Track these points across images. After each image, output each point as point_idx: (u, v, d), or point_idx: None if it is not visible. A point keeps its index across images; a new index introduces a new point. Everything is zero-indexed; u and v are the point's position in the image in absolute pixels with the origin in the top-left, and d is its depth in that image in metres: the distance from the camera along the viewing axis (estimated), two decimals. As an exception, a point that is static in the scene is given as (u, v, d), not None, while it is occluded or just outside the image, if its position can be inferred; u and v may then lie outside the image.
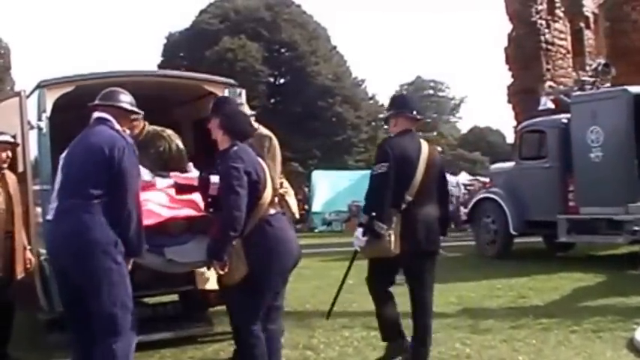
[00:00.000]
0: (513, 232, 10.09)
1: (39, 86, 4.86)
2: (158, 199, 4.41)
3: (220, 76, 5.99)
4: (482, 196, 11.26)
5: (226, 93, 5.53)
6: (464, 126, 59.96)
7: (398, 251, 4.20)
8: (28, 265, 4.58)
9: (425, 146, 4.41)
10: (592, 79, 10.60)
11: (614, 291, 6.86)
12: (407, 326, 5.21)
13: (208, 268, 3.72)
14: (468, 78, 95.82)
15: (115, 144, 3.44)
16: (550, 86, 15.41)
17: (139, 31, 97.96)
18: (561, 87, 14.54)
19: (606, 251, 10.45)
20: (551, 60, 16.81)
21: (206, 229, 3.92)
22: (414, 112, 4.45)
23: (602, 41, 16.56)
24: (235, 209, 3.47)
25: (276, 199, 4.19)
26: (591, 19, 18.11)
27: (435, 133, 51.26)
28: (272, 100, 38.24)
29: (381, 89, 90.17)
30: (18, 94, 4.95)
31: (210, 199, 3.76)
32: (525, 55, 16.72)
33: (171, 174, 4.64)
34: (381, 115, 5.33)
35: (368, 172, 5.69)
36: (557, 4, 17.43)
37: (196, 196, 4.29)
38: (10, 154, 4.69)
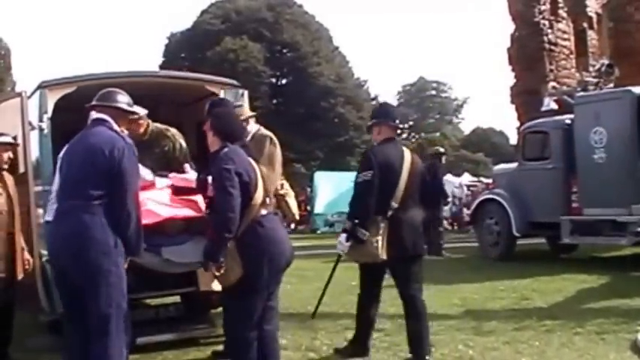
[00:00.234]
0: (516, 234, 10.06)
1: (40, 87, 4.86)
2: (160, 198, 4.40)
3: (222, 76, 5.98)
4: (485, 197, 11.25)
5: (228, 94, 5.51)
6: (467, 127, 59.93)
7: (385, 257, 4.34)
8: (27, 266, 4.58)
9: (407, 153, 4.60)
10: (595, 80, 10.59)
11: (618, 293, 6.83)
12: (399, 326, 5.17)
13: (205, 270, 3.72)
14: (470, 79, 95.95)
15: (115, 145, 3.45)
16: (553, 87, 15.38)
17: (141, 32, 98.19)
18: (564, 88, 14.53)
19: (610, 253, 10.42)
20: (555, 60, 16.78)
21: (204, 230, 3.93)
22: (396, 121, 4.71)
23: (605, 42, 16.53)
24: (229, 211, 3.49)
25: (274, 200, 4.19)
26: (594, 20, 18.07)
27: (437, 134, 51.25)
28: (274, 101, 38.26)
29: (384, 90, 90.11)
30: (19, 94, 4.94)
31: (209, 201, 3.77)
32: (528, 55, 16.69)
33: (170, 175, 4.63)
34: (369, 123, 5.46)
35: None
36: (561, 5, 17.39)
37: (197, 197, 4.28)
38: (11, 155, 4.69)
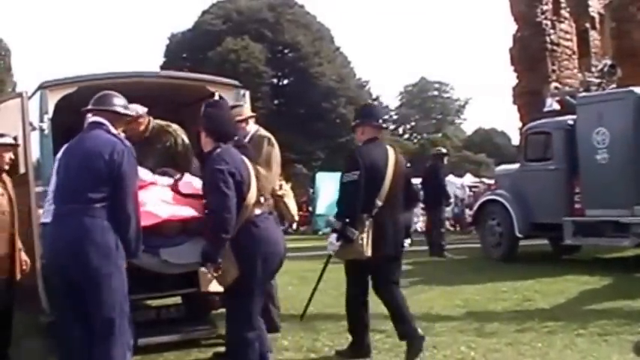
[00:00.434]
0: (519, 235, 10.03)
1: (41, 87, 4.86)
2: (160, 196, 4.39)
3: (223, 77, 5.97)
4: (487, 198, 11.21)
5: (230, 95, 5.50)
6: (469, 127, 59.91)
7: (370, 254, 4.44)
8: (24, 267, 4.59)
9: (392, 153, 4.70)
10: (598, 81, 10.57)
11: (621, 294, 6.81)
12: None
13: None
14: (472, 79, 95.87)
15: (115, 148, 3.48)
16: (555, 87, 15.34)
17: (141, 32, 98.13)
18: (567, 88, 14.50)
19: (612, 254, 10.39)
20: (557, 61, 16.74)
21: (202, 231, 3.95)
22: (380, 121, 4.85)
23: (608, 42, 16.50)
24: (225, 211, 3.51)
25: (271, 201, 4.20)
26: (597, 20, 18.02)
27: (439, 135, 51.23)
28: (275, 102, 38.28)
29: (386, 90, 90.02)
30: (20, 95, 4.93)
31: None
32: (530, 56, 16.66)
33: (182, 182, 4.60)
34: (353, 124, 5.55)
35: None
36: (563, 5, 17.35)
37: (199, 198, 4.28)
38: (12, 156, 4.68)
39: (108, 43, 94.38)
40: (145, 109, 5.06)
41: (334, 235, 4.53)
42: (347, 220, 4.46)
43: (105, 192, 3.42)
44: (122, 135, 3.75)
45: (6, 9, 66.72)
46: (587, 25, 17.92)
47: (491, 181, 16.07)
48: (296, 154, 34.61)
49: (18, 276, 4.58)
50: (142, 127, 5.11)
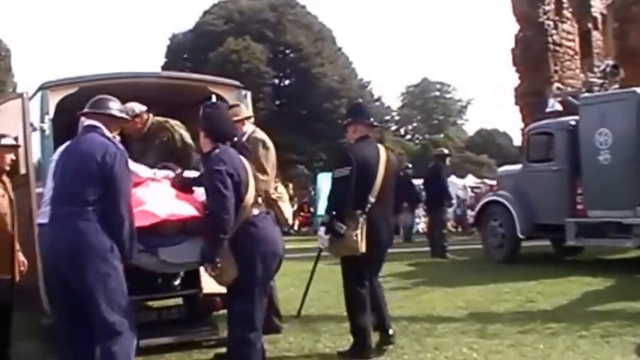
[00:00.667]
0: (521, 236, 10.00)
1: (42, 88, 4.86)
2: (158, 193, 4.39)
3: (225, 77, 5.97)
4: (489, 199, 11.19)
5: (231, 95, 5.49)
6: (471, 128, 59.87)
7: (364, 250, 4.53)
8: (22, 268, 4.59)
9: (383, 151, 4.80)
10: (600, 81, 10.52)
11: (623, 295, 6.79)
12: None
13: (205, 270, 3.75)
14: (474, 80, 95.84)
15: (107, 150, 3.54)
16: (558, 88, 15.31)
17: (143, 33, 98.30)
18: (569, 89, 14.47)
19: (615, 255, 10.36)
20: (559, 61, 16.70)
21: (200, 230, 3.98)
22: (371, 120, 4.89)
23: (610, 42, 16.45)
24: (223, 212, 3.54)
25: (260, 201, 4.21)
26: (599, 20, 17.98)
27: (441, 136, 51.21)
28: (277, 102, 38.29)
29: (387, 91, 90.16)
30: (20, 95, 4.93)
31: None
32: (533, 56, 16.62)
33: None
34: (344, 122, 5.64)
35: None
36: (565, 5, 17.32)
37: (199, 196, 4.30)
38: (13, 157, 4.68)
39: (109, 43, 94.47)
40: (144, 107, 5.07)
41: (323, 229, 4.64)
42: (334, 214, 4.55)
43: (99, 194, 3.49)
44: (117, 138, 3.82)
45: (6, 9, 66.84)
46: (590, 25, 17.89)
47: (493, 182, 16.04)
48: (297, 154, 34.63)
49: (17, 277, 4.58)
50: (140, 125, 5.12)
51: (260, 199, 3.93)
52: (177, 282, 5.20)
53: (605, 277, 8.04)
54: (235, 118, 4.63)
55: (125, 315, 3.51)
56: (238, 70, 31.05)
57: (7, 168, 4.69)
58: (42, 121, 4.77)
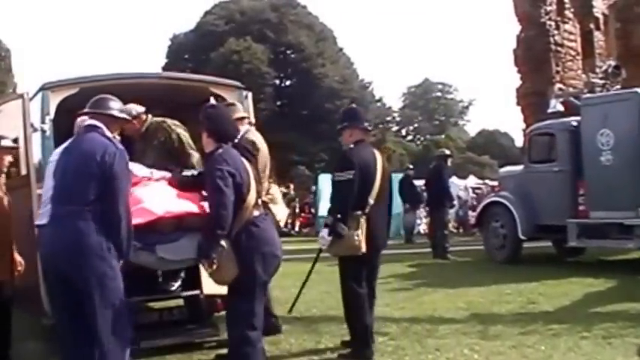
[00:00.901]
0: (522, 237, 9.99)
1: (42, 88, 4.86)
2: (156, 192, 4.39)
3: (226, 78, 5.96)
4: (490, 200, 11.18)
5: (232, 95, 5.49)
6: (472, 129, 59.91)
7: (365, 250, 4.64)
8: (20, 268, 4.60)
9: (378, 154, 4.94)
10: (602, 82, 10.51)
11: (625, 296, 6.77)
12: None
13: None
14: (476, 80, 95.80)
15: (107, 150, 3.56)
16: (560, 88, 15.29)
17: (143, 33, 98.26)
18: (571, 89, 14.45)
19: (617, 256, 10.34)
20: (561, 62, 16.69)
21: (198, 227, 4.01)
22: (365, 124, 5.03)
23: (612, 43, 16.42)
24: (221, 208, 3.59)
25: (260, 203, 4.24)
26: (601, 21, 17.96)
27: (443, 136, 51.19)
28: (278, 103, 38.29)
29: (389, 92, 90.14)
30: (21, 96, 4.92)
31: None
32: (534, 57, 16.61)
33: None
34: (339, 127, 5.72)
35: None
36: (567, 5, 17.31)
37: (196, 192, 4.32)
38: (11, 158, 4.69)
39: (110, 44, 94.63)
40: (143, 109, 5.07)
41: (326, 230, 4.68)
42: (339, 216, 4.63)
43: (98, 194, 3.51)
44: (117, 138, 3.83)
45: (7, 10, 66.92)
46: (592, 25, 17.88)
47: (495, 183, 16.04)
48: (298, 155, 34.64)
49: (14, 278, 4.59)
50: (138, 126, 5.12)
51: (260, 201, 3.95)
52: (178, 283, 5.19)
53: (606, 278, 8.02)
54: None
55: (120, 315, 3.54)
56: (239, 71, 31.06)
57: (5, 170, 4.70)
58: (42, 122, 4.77)
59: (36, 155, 4.84)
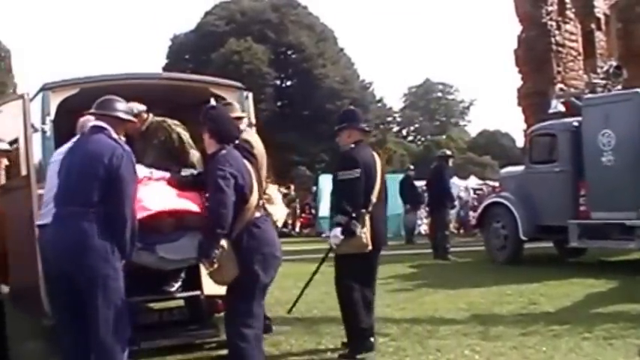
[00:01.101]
0: (524, 238, 9.97)
1: (43, 89, 4.86)
2: (155, 191, 4.39)
3: (226, 78, 5.96)
4: (491, 200, 11.16)
5: (233, 96, 5.48)
6: (473, 129, 59.87)
7: (371, 247, 4.72)
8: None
9: (375, 154, 5.05)
10: (603, 82, 10.51)
11: (627, 297, 6.76)
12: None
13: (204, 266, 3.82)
14: (477, 81, 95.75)
15: (114, 152, 3.57)
16: (561, 89, 15.28)
17: (144, 34, 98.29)
18: (572, 89, 14.44)
19: (618, 257, 10.33)
20: (562, 62, 16.67)
21: (198, 226, 4.02)
22: (362, 125, 5.11)
23: (613, 43, 16.41)
24: (222, 207, 3.61)
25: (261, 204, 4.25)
26: (602, 21, 17.95)
27: (443, 137, 51.18)
28: (279, 103, 38.26)
29: (390, 92, 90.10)
30: (21, 96, 4.92)
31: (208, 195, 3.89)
32: (535, 57, 16.60)
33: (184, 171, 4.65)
34: (336, 127, 5.79)
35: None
36: (568, 6, 17.29)
37: (195, 192, 4.33)
38: (6, 161, 4.70)
39: (110, 44, 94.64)
40: (143, 107, 5.06)
41: (339, 229, 4.69)
42: (353, 214, 4.66)
43: (103, 195, 3.51)
44: (123, 139, 3.83)
45: (7, 10, 66.96)
46: (593, 26, 17.86)
47: (496, 184, 16.01)
48: (299, 155, 34.62)
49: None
50: (139, 124, 5.12)
51: (261, 202, 3.97)
52: (178, 284, 5.19)
53: (608, 279, 8.01)
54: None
55: (121, 316, 3.56)
56: (240, 71, 31.04)
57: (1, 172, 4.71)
58: (43, 122, 4.77)
59: (36, 155, 4.83)
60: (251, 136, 4.98)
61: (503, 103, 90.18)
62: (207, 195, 3.90)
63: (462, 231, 18.95)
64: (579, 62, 17.26)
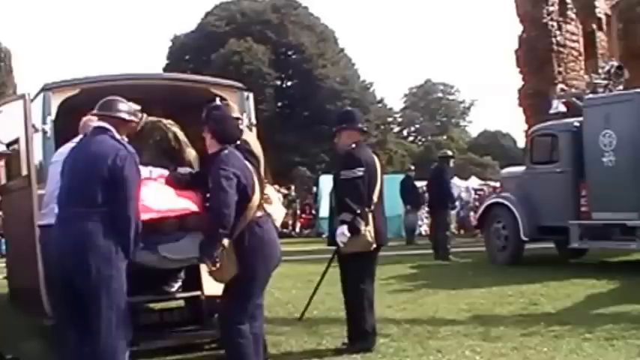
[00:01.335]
0: (524, 238, 9.96)
1: (44, 89, 4.86)
2: (157, 190, 4.39)
3: (227, 79, 5.95)
4: (492, 201, 11.15)
5: (233, 97, 5.48)
6: (474, 130, 59.92)
7: (375, 245, 4.82)
8: None
9: (373, 154, 5.12)
10: (604, 82, 10.46)
11: (628, 298, 6.76)
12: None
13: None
14: (478, 81, 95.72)
15: (118, 153, 3.60)
16: (562, 89, 15.25)
17: (144, 34, 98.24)
18: (573, 90, 14.41)
19: (619, 257, 10.33)
20: (563, 62, 16.66)
21: (199, 226, 4.05)
22: (360, 126, 5.18)
23: (614, 43, 16.41)
24: (224, 207, 3.63)
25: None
26: (604, 21, 17.93)
27: (444, 137, 51.18)
28: (279, 104, 38.25)
29: (390, 92, 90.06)
30: (22, 97, 4.92)
31: (208, 195, 3.90)
32: (536, 57, 16.59)
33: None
34: (334, 129, 5.84)
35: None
36: (569, 6, 17.28)
37: (194, 191, 4.34)
38: (2, 163, 4.71)
39: (110, 45, 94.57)
40: (138, 107, 5.07)
41: (345, 227, 4.73)
42: (358, 212, 4.72)
43: (107, 196, 3.53)
44: (126, 140, 3.84)
45: (7, 11, 67.01)
46: (594, 26, 17.84)
47: (497, 184, 16.01)
48: (300, 156, 34.62)
49: None
50: (134, 124, 5.12)
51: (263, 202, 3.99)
52: (178, 284, 5.19)
53: (609, 280, 8.00)
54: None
55: (122, 316, 3.58)
56: (240, 72, 31.02)
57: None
58: (44, 123, 4.77)
59: (37, 156, 4.83)
60: (247, 135, 4.97)
61: (504, 103, 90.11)
62: (207, 194, 3.91)
63: (462, 232, 18.94)
64: (580, 62, 17.24)
